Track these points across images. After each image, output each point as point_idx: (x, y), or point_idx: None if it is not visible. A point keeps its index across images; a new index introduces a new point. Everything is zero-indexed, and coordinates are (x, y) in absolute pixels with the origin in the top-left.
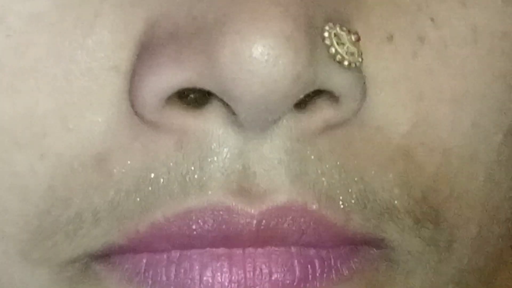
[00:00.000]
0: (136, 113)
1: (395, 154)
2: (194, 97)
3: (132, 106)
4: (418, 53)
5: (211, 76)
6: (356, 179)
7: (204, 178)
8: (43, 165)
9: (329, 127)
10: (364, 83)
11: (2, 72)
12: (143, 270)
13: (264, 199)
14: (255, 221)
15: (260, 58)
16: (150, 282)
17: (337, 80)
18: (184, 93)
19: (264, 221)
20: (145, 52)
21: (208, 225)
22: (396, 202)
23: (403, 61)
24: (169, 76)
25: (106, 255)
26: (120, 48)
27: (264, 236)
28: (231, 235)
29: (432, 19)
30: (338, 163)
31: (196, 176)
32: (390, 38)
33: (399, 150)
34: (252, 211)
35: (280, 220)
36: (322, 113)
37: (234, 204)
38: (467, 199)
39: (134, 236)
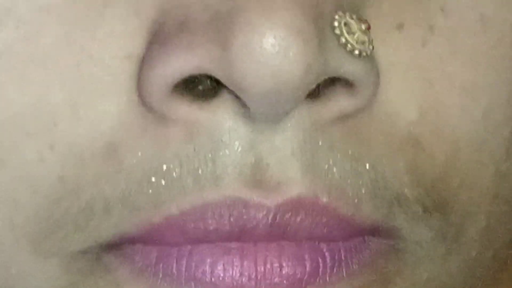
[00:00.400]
0: (143, 102)
1: (405, 142)
2: (202, 89)
3: (140, 95)
4: (428, 42)
5: (222, 65)
6: (367, 167)
7: (217, 171)
8: (53, 155)
9: (342, 117)
10: (377, 70)
11: (13, 62)
12: (154, 262)
13: (278, 191)
14: (271, 214)
15: (270, 49)
16: (161, 274)
17: (350, 68)
18: (191, 85)
19: (279, 214)
20: (156, 40)
21: (225, 219)
22: (406, 190)
23: (413, 49)
24: (179, 62)
25: (117, 246)
26: (131, 37)
27: (278, 229)
28: (246, 229)
29: (442, 9)
30: (349, 152)
31: (208, 169)
32: (400, 26)
33: (409, 138)
34: (268, 203)
35: (293, 213)
36: (337, 102)
37: (249, 197)
38: (476, 189)
39: (147, 228)
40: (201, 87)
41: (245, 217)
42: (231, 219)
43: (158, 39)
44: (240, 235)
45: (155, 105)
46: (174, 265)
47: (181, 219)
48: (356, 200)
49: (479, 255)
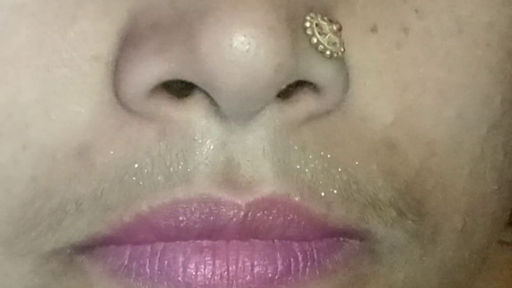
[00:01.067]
0: (120, 103)
1: (379, 145)
2: (178, 87)
3: (117, 96)
4: (403, 44)
5: (193, 67)
6: (339, 169)
7: (188, 169)
8: (25, 156)
9: (312, 118)
10: (347, 73)
11: None
12: (126, 262)
13: (250, 190)
14: (242, 213)
15: (241, 47)
16: (134, 274)
17: (319, 70)
18: (167, 83)
19: (250, 213)
20: (128, 42)
21: (195, 217)
22: (379, 193)
23: (387, 51)
24: (152, 68)
25: (89, 247)
26: (101, 38)
27: (249, 228)
28: (217, 227)
29: (416, 10)
30: (322, 153)
31: (180, 167)
32: (374, 28)
33: (383, 141)
34: (239, 202)
35: (265, 212)
36: (305, 103)
37: (220, 195)
38: (451, 191)
39: (118, 227)
40: (176, 85)
41: (215, 215)
42: (202, 217)
43: (130, 41)
44: (211, 233)
45: (132, 106)
46: (147, 264)
47: (151, 217)
48: (328, 201)
49: (455, 256)
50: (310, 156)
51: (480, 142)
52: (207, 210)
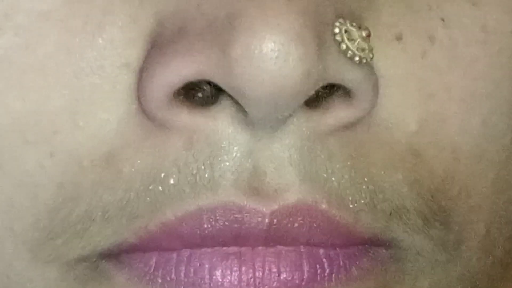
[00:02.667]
0: (144, 110)
1: (404, 153)
2: (202, 96)
3: (140, 102)
4: (428, 53)
5: (222, 70)
6: (366, 179)
7: (214, 178)
8: (52, 163)
9: (341, 127)
10: (377, 79)
11: (12, 69)
12: (152, 269)
13: (275, 198)
14: (266, 220)
15: (270, 54)
16: (160, 281)
17: (349, 76)
18: (191, 92)
19: (275, 220)
20: (155, 48)
21: (220, 224)
22: (405, 201)
23: (412, 60)
24: (178, 68)
25: (115, 254)
26: (130, 45)
27: (274, 235)
28: (242, 234)
29: (442, 19)
30: (348, 163)
31: (206, 176)
32: (400, 37)
33: (408, 150)
34: (264, 209)
35: (290, 219)
36: (336, 111)
37: (245, 203)
38: (475, 199)
39: (144, 235)
40: (200, 94)
41: (240, 222)
42: (226, 224)
43: (157, 47)
44: (237, 240)
45: (155, 113)
46: (173, 270)
47: (176, 225)
48: (355, 210)
49: (479, 263)
50: (337, 166)
51: (504, 150)
52: (232, 217)
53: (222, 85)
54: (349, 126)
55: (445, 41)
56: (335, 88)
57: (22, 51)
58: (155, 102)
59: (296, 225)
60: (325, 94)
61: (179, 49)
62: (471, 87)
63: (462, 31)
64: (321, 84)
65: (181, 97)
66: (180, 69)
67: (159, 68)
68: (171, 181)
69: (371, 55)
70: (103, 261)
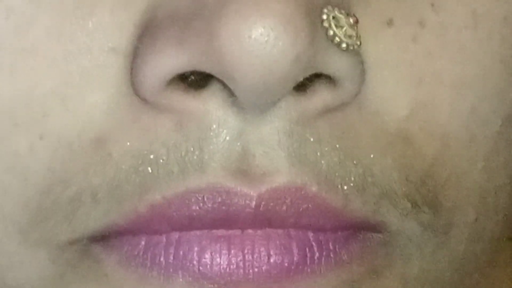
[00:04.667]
0: (136, 94)
1: (394, 138)
2: (195, 79)
3: (133, 87)
4: (418, 38)
5: (211, 58)
6: (355, 162)
7: (203, 159)
8: (42, 146)
9: (328, 110)
10: (363, 66)
11: (2, 52)
12: (141, 252)
13: (263, 180)
14: (254, 203)
15: (260, 39)
16: (148, 264)
17: (336, 63)
18: (184, 74)
19: (263, 202)
20: (146, 33)
21: (208, 206)
22: (394, 185)
23: (402, 45)
24: (170, 59)
25: (105, 237)
26: (120, 30)
27: (263, 217)
28: (230, 217)
29: (432, 4)
30: (337, 145)
31: (195, 157)
32: (390, 22)
33: (398, 134)
34: (251, 192)
35: (279, 201)
36: (321, 96)
37: (233, 185)
38: (465, 184)
39: (133, 217)
40: (193, 76)
41: (227, 204)
42: (214, 206)
43: (148, 32)
44: (225, 222)
45: (149, 97)
46: (162, 253)
47: (165, 207)
48: (344, 193)
49: (467, 249)
50: (326, 148)
51: (494, 135)
52: (219, 199)
53: (212, 71)
54: (337, 110)
55: (435, 27)
56: (322, 74)
57: (12, 34)
58: (149, 88)
59: (284, 207)
60: (312, 77)
61: (170, 37)
62: (461, 72)
63: (452, 16)
64: (310, 72)
65: (174, 80)
66: (172, 59)
67: (152, 56)
68: (160, 162)
69: (358, 42)
70: (93, 244)
